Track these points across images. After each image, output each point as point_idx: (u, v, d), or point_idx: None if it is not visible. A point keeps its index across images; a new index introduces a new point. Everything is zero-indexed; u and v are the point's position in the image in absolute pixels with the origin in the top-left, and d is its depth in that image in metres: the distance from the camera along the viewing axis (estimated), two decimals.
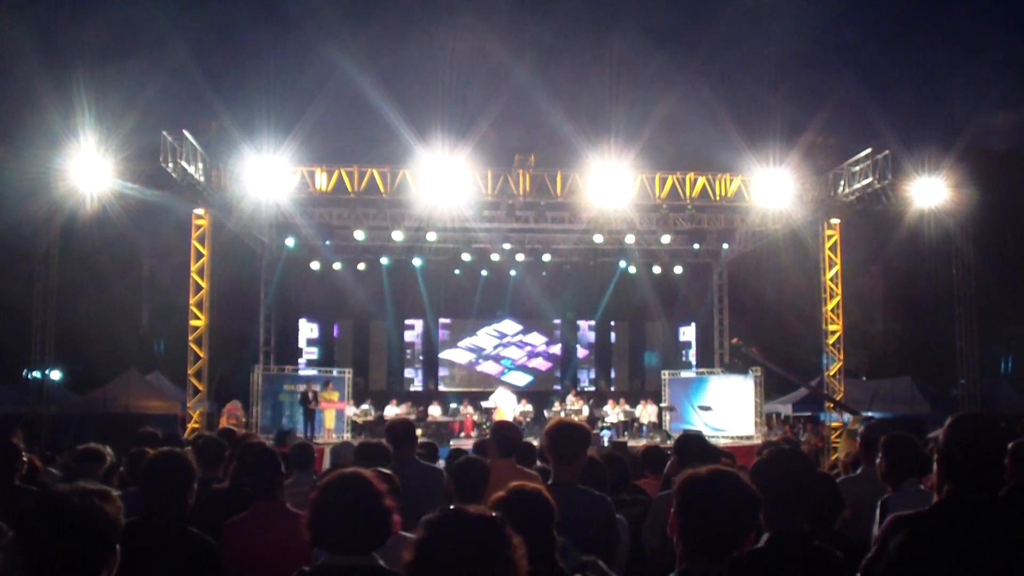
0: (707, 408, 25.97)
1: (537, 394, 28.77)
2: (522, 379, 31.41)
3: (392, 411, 25.31)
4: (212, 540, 4.19)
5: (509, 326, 31.84)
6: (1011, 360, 33.36)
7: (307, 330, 30.88)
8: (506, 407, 24.99)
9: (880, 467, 5.45)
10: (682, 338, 31.99)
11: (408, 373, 31.54)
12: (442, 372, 31.52)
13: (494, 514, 2.54)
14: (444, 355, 31.60)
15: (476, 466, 5.26)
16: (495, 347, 31.78)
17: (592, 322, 32.40)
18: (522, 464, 6.81)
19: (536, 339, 32.03)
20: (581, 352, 32.45)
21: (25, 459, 6.55)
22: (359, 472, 3.62)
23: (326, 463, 14.01)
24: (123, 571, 2.69)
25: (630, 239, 25.09)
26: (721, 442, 21.52)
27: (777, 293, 26.31)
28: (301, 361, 29.86)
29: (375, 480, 3.53)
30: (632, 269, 29.00)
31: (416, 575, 2.38)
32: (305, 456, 7.11)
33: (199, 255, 21.35)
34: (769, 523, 3.36)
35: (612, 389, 31.14)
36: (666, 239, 25.07)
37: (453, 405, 27.18)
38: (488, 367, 31.60)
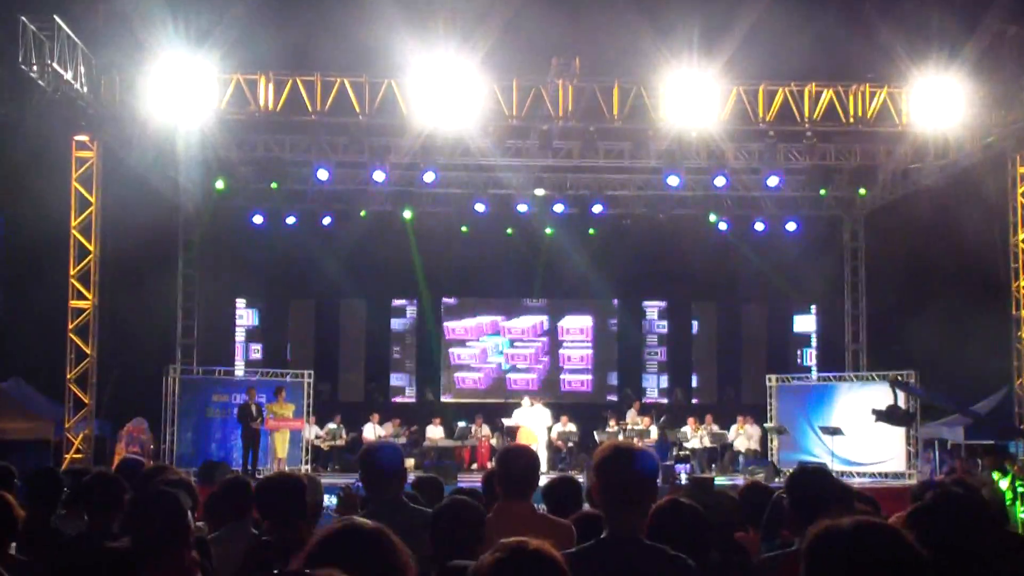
0: (835, 431, 25.65)
1: (584, 408, 29.10)
2: (561, 386, 31.49)
3: (372, 432, 25.43)
4: None
5: (542, 308, 31.90)
6: None
7: (247, 315, 31.03)
8: (536, 427, 25.02)
9: None
10: (797, 328, 31.92)
11: (396, 378, 31.67)
12: (445, 376, 31.59)
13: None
14: (449, 351, 31.67)
15: (463, 512, 5.28)
16: (523, 339, 31.83)
17: (664, 304, 32.46)
18: (562, 511, 6.85)
19: (581, 328, 32.05)
20: (648, 347, 32.41)
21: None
22: (361, 524, 3.53)
23: None
24: None
25: (720, 181, 24.92)
26: (857, 481, 21.35)
27: (941, 262, 25.96)
28: (238, 360, 30.11)
29: (391, 535, 3.47)
30: (723, 225, 28.79)
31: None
32: (239, 498, 7.03)
33: (83, 204, 21.28)
34: None
35: (693, 402, 31.17)
36: (774, 181, 24.87)
37: (461, 424, 27.46)
38: (512, 369, 31.68)
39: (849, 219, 29.27)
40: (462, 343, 31.81)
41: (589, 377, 32.02)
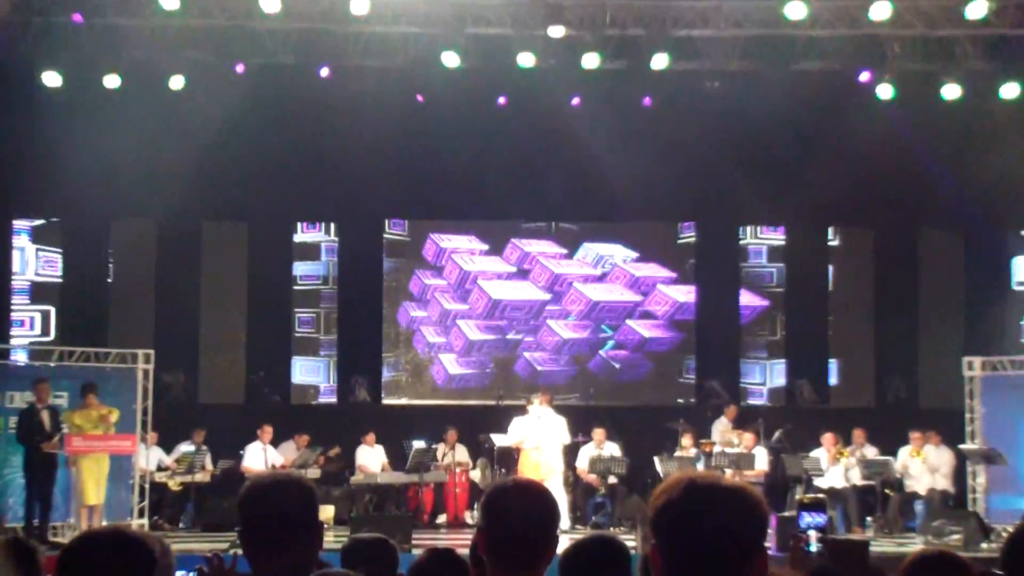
0: None
1: (635, 416, 29.37)
2: (596, 378, 31.97)
3: (261, 457, 25.91)
4: None
5: (560, 238, 32.56)
6: None
7: (32, 252, 31.02)
8: (549, 447, 24.60)
9: None
10: (1019, 276, 31.35)
11: (303, 362, 31.90)
12: (391, 358, 31.78)
13: None
14: (397, 313, 32.11)
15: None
16: (530, 291, 32.25)
17: (780, 231, 32.40)
18: None
19: (630, 273, 32.49)
20: (750, 305, 31.73)
21: None
22: None
23: None
24: None
25: (881, 12, 23.81)
26: None
27: None
28: (16, 332, 30.32)
29: None
30: (887, 91, 27.34)
31: None
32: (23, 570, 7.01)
33: None
34: None
35: (831, 405, 30.97)
36: (977, 11, 24.14)
37: (419, 444, 27.12)
38: (512, 346, 32.18)
39: None
40: (420, 297, 32.30)
41: (646, 361, 31.66)
